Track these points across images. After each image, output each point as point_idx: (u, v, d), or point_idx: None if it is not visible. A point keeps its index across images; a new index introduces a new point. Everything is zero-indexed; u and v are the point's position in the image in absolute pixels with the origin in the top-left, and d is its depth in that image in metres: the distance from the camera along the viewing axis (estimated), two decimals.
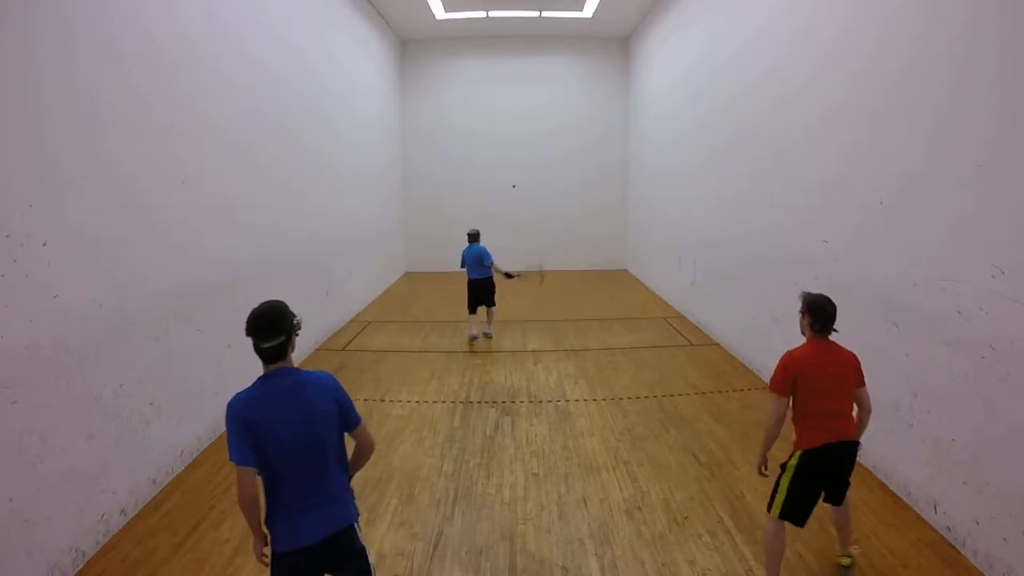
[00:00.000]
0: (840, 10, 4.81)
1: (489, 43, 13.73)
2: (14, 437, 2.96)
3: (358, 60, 10.34)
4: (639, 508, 3.91)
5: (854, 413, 3.06)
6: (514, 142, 14.20)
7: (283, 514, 2.12)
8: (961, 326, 3.45)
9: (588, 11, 11.74)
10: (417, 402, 5.88)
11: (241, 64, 5.74)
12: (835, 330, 3.00)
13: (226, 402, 2.12)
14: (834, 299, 3.04)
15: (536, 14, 12.00)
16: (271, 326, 2.10)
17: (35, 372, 3.10)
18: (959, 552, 3.41)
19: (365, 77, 10.85)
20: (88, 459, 3.47)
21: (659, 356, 7.32)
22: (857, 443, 3.00)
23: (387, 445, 4.90)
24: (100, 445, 3.59)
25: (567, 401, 5.85)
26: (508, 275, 7.94)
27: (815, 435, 2.91)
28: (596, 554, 3.44)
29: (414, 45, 13.83)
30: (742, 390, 6.10)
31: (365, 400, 5.92)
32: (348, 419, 2.25)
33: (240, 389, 2.16)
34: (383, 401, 5.90)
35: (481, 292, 7.96)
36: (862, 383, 3.03)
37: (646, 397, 5.93)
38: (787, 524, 3.03)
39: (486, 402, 5.86)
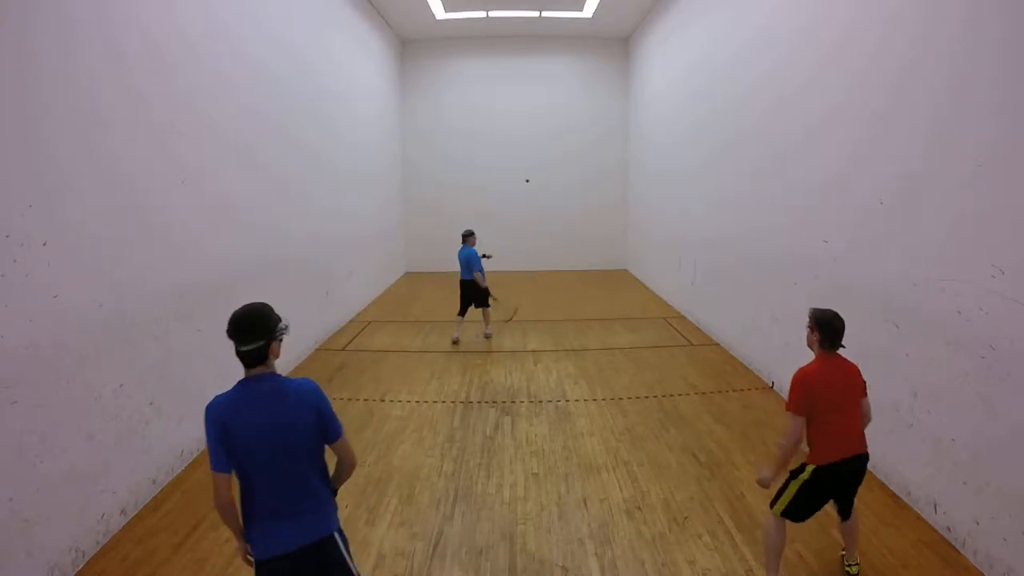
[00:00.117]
0: (840, 10, 4.81)
1: (489, 43, 13.73)
2: (14, 437, 2.96)
3: (358, 60, 10.34)
4: (639, 508, 3.91)
5: None
6: (514, 142, 14.21)
7: (257, 521, 2.10)
8: (961, 326, 3.45)
9: (588, 11, 11.74)
10: (417, 402, 5.88)
11: (241, 64, 5.74)
12: (843, 345, 2.99)
13: None
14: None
15: (536, 14, 12.00)
16: (249, 330, 2.04)
17: (35, 372, 3.10)
18: (959, 552, 3.42)
19: (365, 77, 10.85)
20: (88, 459, 3.47)
21: (659, 356, 7.32)
22: (867, 456, 3.01)
23: (387, 445, 4.90)
24: (100, 445, 3.59)
25: (567, 401, 5.85)
26: (486, 290, 7.87)
27: (829, 451, 2.91)
28: (596, 554, 3.44)
29: (414, 45, 13.83)
30: (742, 390, 6.10)
31: (365, 400, 5.92)
32: (328, 431, 2.16)
33: None
34: (383, 401, 5.90)
35: (471, 293, 7.91)
36: (865, 393, 3.05)
37: (646, 397, 5.93)
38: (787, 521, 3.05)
39: (486, 402, 5.86)
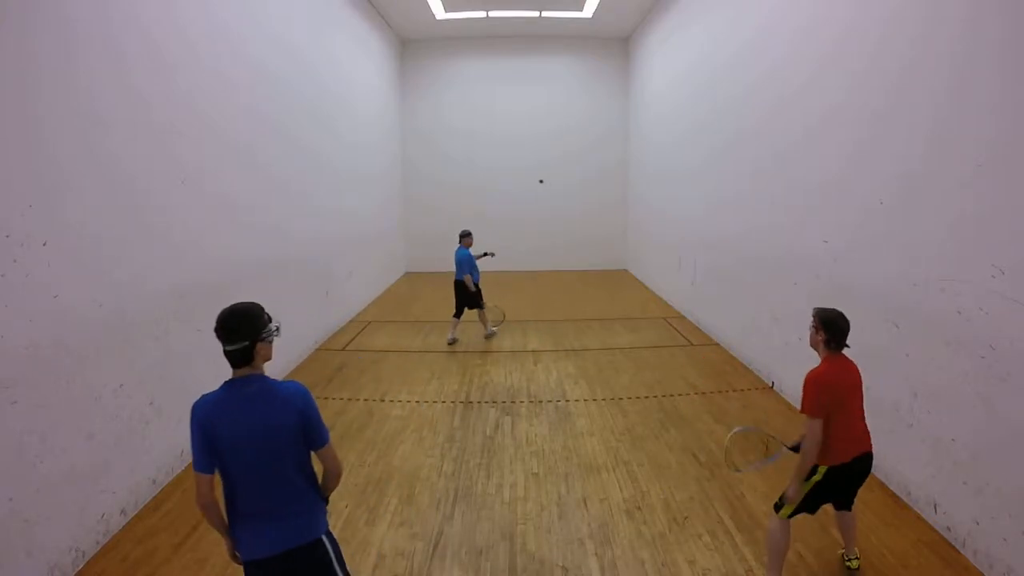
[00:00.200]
0: (840, 10, 4.81)
1: (489, 43, 13.74)
2: (14, 437, 2.96)
3: (358, 60, 10.34)
4: (639, 508, 3.91)
5: None
6: (514, 142, 14.21)
7: (240, 523, 2.10)
8: (961, 326, 3.45)
9: (588, 11, 11.74)
10: (417, 402, 5.88)
11: (241, 64, 5.75)
12: (847, 345, 2.97)
13: None
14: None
15: (536, 14, 12.00)
16: (236, 329, 2.02)
17: (35, 372, 3.11)
18: (959, 552, 3.42)
19: (365, 77, 10.85)
20: (88, 459, 3.47)
21: (659, 356, 7.32)
22: (872, 453, 3.02)
23: (387, 445, 4.90)
24: (100, 445, 3.59)
25: (567, 401, 5.85)
26: (476, 289, 7.84)
27: (841, 451, 2.91)
28: (596, 554, 3.44)
29: (414, 45, 13.83)
30: (742, 390, 6.10)
31: (365, 400, 5.92)
32: (312, 437, 2.12)
33: None
34: (383, 401, 5.90)
35: (462, 295, 7.88)
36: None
37: (646, 397, 5.93)
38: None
39: (486, 402, 5.86)
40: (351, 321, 9.38)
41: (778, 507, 3.06)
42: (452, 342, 7.90)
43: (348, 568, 2.29)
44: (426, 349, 7.77)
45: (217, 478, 2.08)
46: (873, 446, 3.05)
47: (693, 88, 9.09)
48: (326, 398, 5.99)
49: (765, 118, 6.32)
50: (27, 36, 3.11)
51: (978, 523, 3.29)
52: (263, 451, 2.02)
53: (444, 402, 5.88)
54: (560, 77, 14.10)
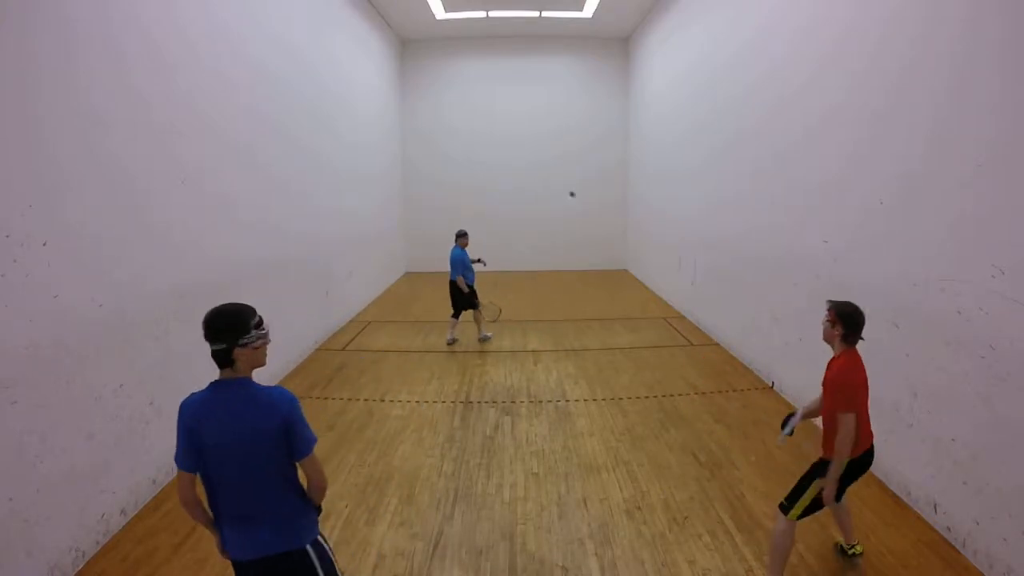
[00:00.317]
0: (840, 10, 4.81)
1: (489, 43, 13.74)
2: (14, 437, 2.96)
3: (358, 60, 10.34)
4: (639, 508, 3.91)
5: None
6: (514, 142, 14.21)
7: (223, 523, 2.10)
8: (961, 326, 3.45)
9: (588, 11, 11.74)
10: (417, 402, 5.88)
11: (241, 64, 5.75)
12: (862, 338, 2.95)
13: None
14: (834, 299, 3.05)
15: (536, 14, 12.00)
16: (217, 330, 1.99)
17: (35, 372, 3.11)
18: (959, 552, 3.42)
19: (365, 77, 10.85)
20: (88, 459, 3.47)
21: (659, 356, 7.32)
22: (874, 447, 3.04)
23: (387, 445, 4.90)
24: (100, 445, 3.59)
25: (567, 401, 5.85)
26: (471, 288, 7.80)
27: (856, 446, 2.90)
28: (596, 554, 3.44)
29: (414, 45, 13.84)
30: (742, 390, 6.10)
31: (365, 400, 5.92)
32: (294, 446, 2.05)
33: None
34: (383, 401, 5.90)
35: (454, 295, 7.83)
36: None
37: (646, 397, 5.93)
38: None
39: (486, 402, 5.86)
40: (351, 321, 9.38)
41: (786, 509, 3.04)
42: (451, 342, 7.89)
43: None
44: (426, 349, 7.77)
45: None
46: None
47: (693, 88, 9.09)
48: (326, 398, 5.99)
49: (765, 118, 6.32)
50: (27, 36, 3.11)
51: (978, 523, 3.29)
52: (244, 456, 1.99)
53: (444, 402, 5.88)
54: (560, 77, 14.10)
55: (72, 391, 3.37)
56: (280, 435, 2.01)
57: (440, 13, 11.80)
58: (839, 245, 4.81)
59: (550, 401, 5.86)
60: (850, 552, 3.32)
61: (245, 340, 2.00)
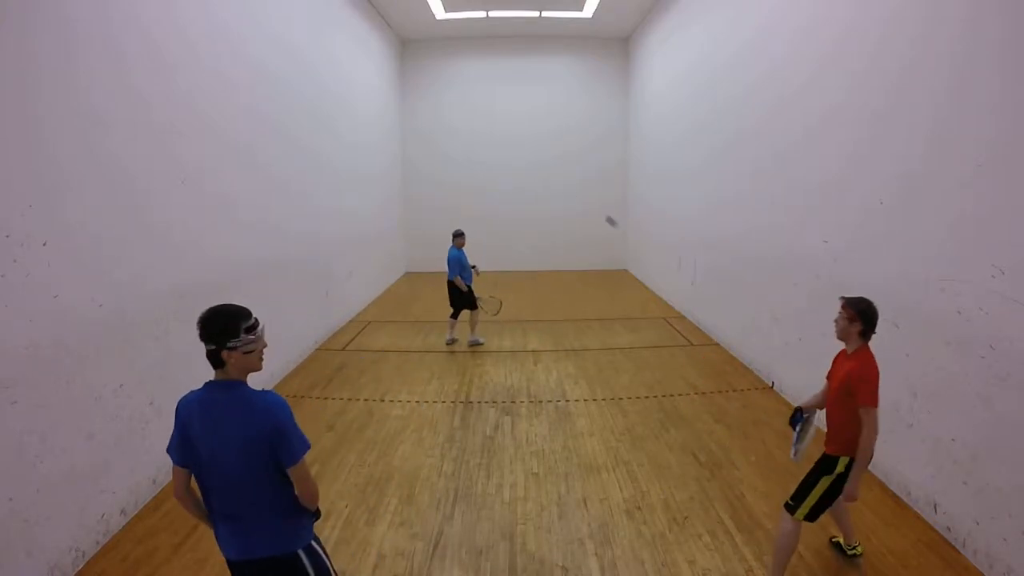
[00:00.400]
0: (840, 10, 4.81)
1: (489, 43, 13.74)
2: (14, 437, 2.96)
3: (358, 60, 10.34)
4: (639, 508, 3.91)
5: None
6: (514, 142, 14.21)
7: (215, 520, 2.10)
8: (961, 326, 3.45)
9: (588, 11, 11.74)
10: (417, 402, 5.88)
11: (241, 64, 5.75)
12: (875, 333, 2.96)
13: None
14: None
15: (536, 14, 12.00)
16: (206, 331, 1.96)
17: (35, 372, 3.10)
18: (959, 552, 3.42)
19: (365, 77, 10.85)
20: (88, 459, 3.47)
21: (659, 356, 7.32)
22: None
23: (387, 445, 4.90)
24: (100, 445, 3.59)
25: (567, 401, 5.85)
26: (469, 290, 7.74)
27: (858, 440, 2.89)
28: (596, 554, 3.44)
29: (414, 45, 13.83)
30: (742, 390, 6.10)
31: (365, 400, 5.92)
32: (283, 454, 1.98)
33: None
34: (383, 401, 5.90)
35: (452, 295, 7.78)
36: None
37: (646, 397, 5.93)
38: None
39: (486, 402, 5.86)
40: (351, 321, 9.38)
41: (792, 508, 3.03)
42: (451, 342, 7.89)
43: None
44: (426, 349, 7.77)
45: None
46: None
47: (693, 88, 9.09)
48: (326, 398, 5.99)
49: (765, 118, 6.32)
50: (27, 36, 3.11)
51: (978, 523, 3.29)
52: (231, 459, 1.98)
53: (444, 402, 5.88)
54: (560, 77, 14.10)
55: (72, 391, 3.37)
56: (267, 442, 1.96)
57: (440, 13, 11.80)
58: (839, 245, 4.81)
59: (550, 401, 5.86)
60: (850, 553, 3.33)
61: (233, 343, 1.97)
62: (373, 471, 4.46)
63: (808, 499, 2.99)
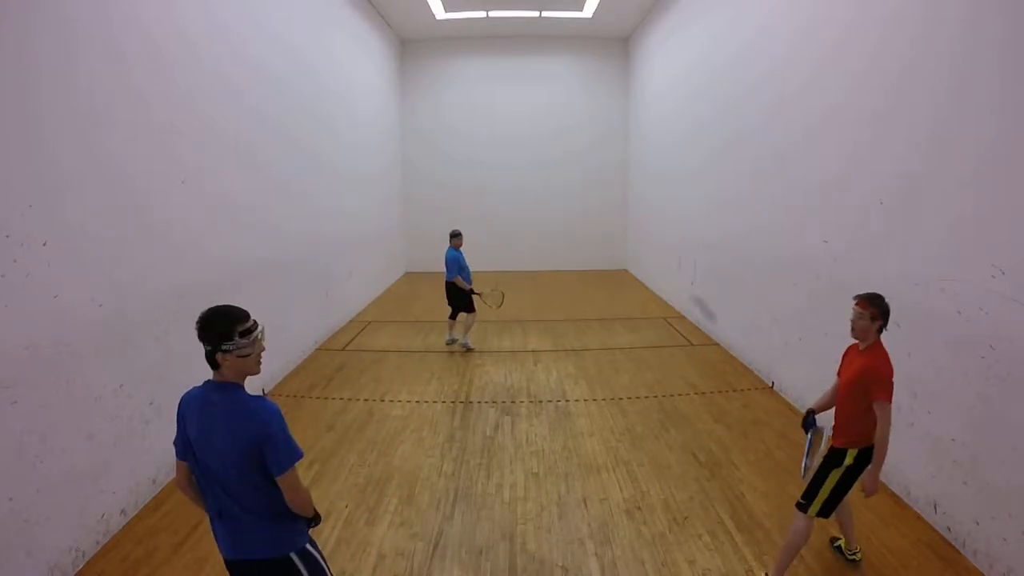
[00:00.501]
0: (840, 10, 4.81)
1: (489, 43, 13.74)
2: (14, 437, 2.96)
3: (358, 60, 10.34)
4: (639, 508, 3.91)
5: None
6: (514, 142, 14.21)
7: (210, 516, 2.11)
8: (961, 326, 3.45)
9: (588, 11, 11.74)
10: (417, 402, 5.88)
11: (241, 64, 5.74)
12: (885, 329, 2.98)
13: None
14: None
15: (536, 14, 12.00)
16: (202, 331, 1.96)
17: (35, 372, 3.11)
18: (959, 552, 3.42)
19: (365, 77, 10.85)
20: (88, 459, 3.47)
21: (659, 356, 7.32)
22: None
23: (387, 445, 4.90)
24: (100, 445, 3.59)
25: (567, 401, 5.85)
26: (472, 291, 7.64)
27: (870, 434, 2.90)
28: (596, 554, 3.44)
29: (414, 45, 13.83)
30: (742, 390, 6.10)
31: (365, 400, 5.92)
32: (270, 464, 1.96)
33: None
34: (383, 401, 5.90)
35: (450, 297, 7.71)
36: None
37: (646, 397, 5.93)
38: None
39: (486, 402, 5.86)
40: (351, 321, 9.38)
41: (804, 507, 3.03)
42: (451, 342, 7.88)
43: None
44: (426, 349, 7.77)
45: None
46: None
47: (693, 88, 9.09)
48: (326, 398, 5.99)
49: (765, 118, 6.32)
50: (27, 36, 3.11)
51: (978, 523, 3.29)
52: (223, 461, 1.98)
53: (444, 402, 5.88)
54: (560, 77, 14.10)
55: (72, 391, 3.37)
56: (255, 449, 1.94)
57: (440, 13, 11.80)
58: (839, 245, 4.81)
59: (550, 401, 5.86)
60: (850, 557, 3.31)
61: (228, 346, 1.95)
62: (373, 471, 4.46)
63: (819, 495, 3.00)
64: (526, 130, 14.18)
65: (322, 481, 4.26)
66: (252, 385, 2.09)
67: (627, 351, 7.53)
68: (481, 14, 11.97)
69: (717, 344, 7.80)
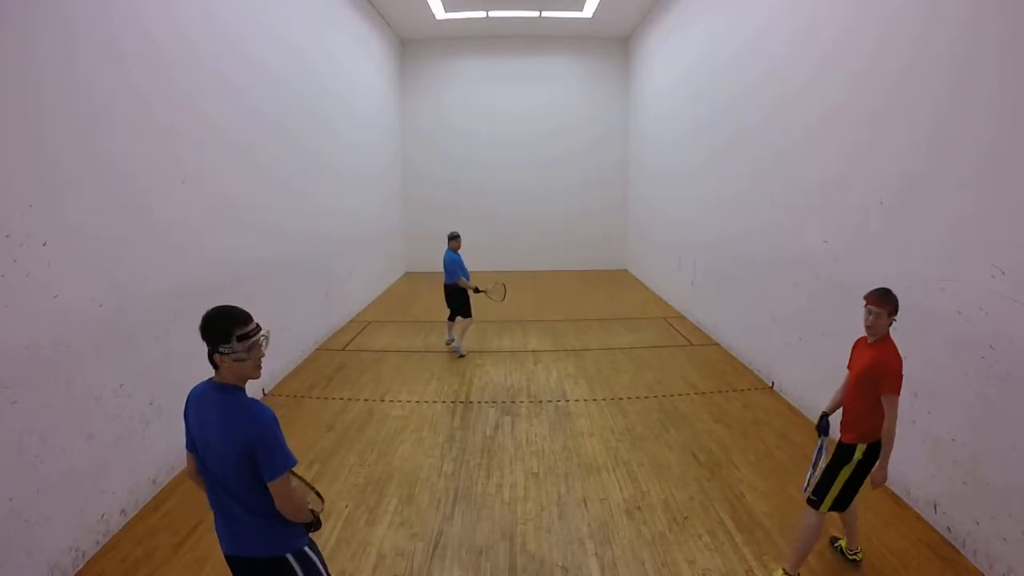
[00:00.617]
0: (840, 10, 4.81)
1: (489, 43, 13.73)
2: (14, 437, 2.96)
3: (358, 60, 10.34)
4: (639, 508, 3.91)
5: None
6: (514, 142, 14.21)
7: (212, 509, 2.13)
8: (961, 326, 3.45)
9: (588, 11, 11.74)
10: (417, 402, 5.88)
11: (241, 64, 5.74)
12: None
13: None
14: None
15: (536, 14, 12.00)
16: (203, 331, 1.96)
17: (35, 372, 3.11)
18: (959, 552, 3.42)
19: (365, 77, 10.85)
20: (88, 459, 3.47)
21: (659, 356, 7.32)
22: None
23: (387, 445, 4.90)
24: (100, 445, 3.59)
25: (567, 401, 5.85)
26: (476, 290, 7.55)
27: (878, 429, 2.91)
28: (596, 554, 3.44)
29: (414, 45, 13.83)
30: (742, 390, 6.10)
31: (365, 400, 5.92)
32: (262, 469, 1.94)
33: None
34: (383, 401, 5.90)
35: (448, 299, 7.62)
36: None
37: (646, 397, 5.93)
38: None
39: (486, 402, 5.86)
40: (351, 321, 9.38)
41: (816, 503, 3.05)
42: (451, 342, 7.87)
43: None
44: (426, 349, 7.77)
45: None
46: None
47: (693, 88, 9.09)
48: (326, 398, 5.99)
49: (765, 118, 6.32)
50: (27, 36, 3.11)
51: (978, 523, 3.29)
52: (217, 459, 1.98)
53: (444, 402, 5.88)
54: (560, 77, 14.10)
55: (72, 391, 3.37)
56: (247, 453, 1.93)
57: (440, 13, 11.79)
58: (839, 245, 4.81)
59: (550, 401, 5.86)
60: (851, 557, 3.32)
61: (224, 349, 1.94)
62: (373, 471, 4.46)
63: (831, 491, 3.01)
64: (526, 130, 14.18)
65: (322, 481, 4.26)
66: (252, 385, 2.08)
67: (627, 351, 7.53)
68: (481, 14, 11.97)
69: (717, 344, 7.80)
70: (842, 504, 3.04)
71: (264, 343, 2.05)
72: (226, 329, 1.95)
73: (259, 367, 2.05)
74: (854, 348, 3.15)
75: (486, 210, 14.06)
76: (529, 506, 3.96)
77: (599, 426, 5.23)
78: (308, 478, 4.26)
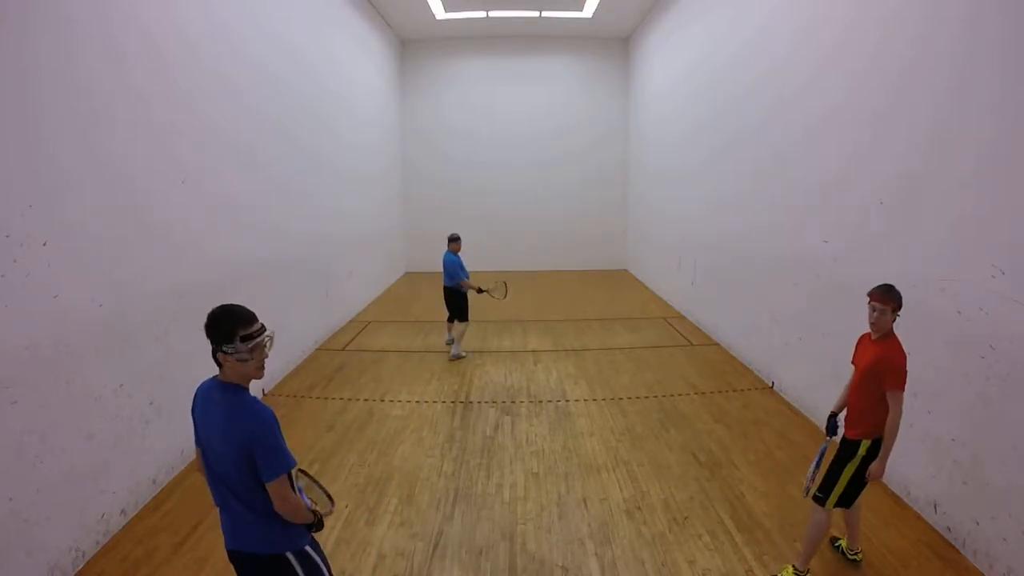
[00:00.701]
0: (840, 10, 4.81)
1: (489, 43, 13.73)
2: (14, 437, 2.96)
3: (358, 60, 10.34)
4: (639, 508, 3.91)
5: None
6: (514, 142, 14.21)
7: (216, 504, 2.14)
8: (961, 326, 3.45)
9: (588, 11, 11.74)
10: (417, 402, 5.88)
11: (241, 64, 5.74)
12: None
13: None
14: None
15: (536, 14, 12.00)
16: (208, 330, 1.96)
17: (35, 372, 3.10)
18: (959, 552, 3.42)
19: (365, 77, 10.85)
20: (88, 459, 3.47)
21: (659, 356, 7.32)
22: None
23: (387, 445, 4.90)
24: (100, 445, 3.59)
25: (567, 401, 5.85)
26: (479, 290, 7.49)
27: (881, 424, 2.91)
28: (596, 554, 3.44)
29: (414, 45, 13.83)
30: (742, 390, 6.10)
31: (365, 400, 5.92)
32: (260, 470, 1.94)
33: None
34: (383, 401, 5.90)
35: (447, 301, 7.54)
36: None
37: (646, 397, 5.93)
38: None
39: (486, 402, 5.86)
40: (351, 321, 9.38)
41: (822, 500, 3.06)
42: (450, 343, 7.86)
43: None
44: (426, 349, 7.77)
45: None
46: None
47: (693, 88, 9.09)
48: (326, 398, 5.99)
49: (765, 118, 6.32)
50: (27, 36, 3.11)
51: (978, 523, 3.29)
52: (221, 459, 1.99)
53: (444, 402, 5.88)
54: (560, 77, 14.10)
55: (72, 391, 3.37)
56: (247, 452, 1.94)
57: (440, 13, 11.80)
58: (839, 245, 4.81)
59: (550, 401, 5.86)
60: (851, 557, 3.32)
61: (228, 349, 1.94)
62: (373, 471, 4.45)
63: (836, 488, 3.03)
64: (526, 130, 14.18)
65: (322, 481, 4.24)
66: (252, 385, 2.08)
67: (627, 351, 7.53)
68: (481, 14, 11.97)
69: (717, 344, 7.80)
70: (847, 500, 3.05)
71: (268, 344, 2.05)
72: (230, 329, 1.95)
73: (262, 367, 2.06)
74: (858, 344, 3.15)
75: (486, 210, 14.06)
76: (529, 506, 3.96)
77: (599, 426, 5.23)
78: None
